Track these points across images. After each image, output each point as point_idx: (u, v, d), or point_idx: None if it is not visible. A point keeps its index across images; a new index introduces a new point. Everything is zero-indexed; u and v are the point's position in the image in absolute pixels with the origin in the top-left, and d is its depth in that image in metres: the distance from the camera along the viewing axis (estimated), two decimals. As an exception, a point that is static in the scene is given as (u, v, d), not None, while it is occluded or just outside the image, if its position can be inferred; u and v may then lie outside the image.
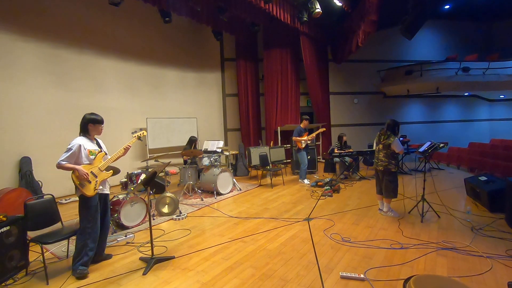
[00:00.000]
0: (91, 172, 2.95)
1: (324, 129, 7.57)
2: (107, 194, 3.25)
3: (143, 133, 3.43)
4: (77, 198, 3.00)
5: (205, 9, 7.51)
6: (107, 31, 7.37)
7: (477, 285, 2.52)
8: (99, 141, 3.19)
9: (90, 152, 2.98)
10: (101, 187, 3.07)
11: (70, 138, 2.99)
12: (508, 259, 2.96)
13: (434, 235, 3.65)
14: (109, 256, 3.27)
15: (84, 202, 2.95)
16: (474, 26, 12.23)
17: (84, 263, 2.88)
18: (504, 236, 3.53)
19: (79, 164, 2.90)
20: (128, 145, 3.21)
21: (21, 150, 5.81)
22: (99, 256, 3.16)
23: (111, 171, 3.15)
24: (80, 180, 2.87)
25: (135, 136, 3.35)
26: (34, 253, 3.23)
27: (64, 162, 2.82)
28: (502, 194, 4.23)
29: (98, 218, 3.04)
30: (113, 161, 3.13)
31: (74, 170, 2.86)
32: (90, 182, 2.92)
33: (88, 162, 2.96)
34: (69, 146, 2.88)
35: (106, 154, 3.16)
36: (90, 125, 3.02)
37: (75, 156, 2.89)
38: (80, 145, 2.91)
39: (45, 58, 6.25)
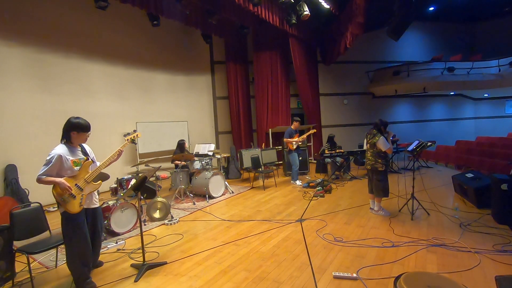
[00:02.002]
0: (76, 185, 2.61)
1: (315, 130, 7.63)
2: (96, 208, 2.94)
3: (137, 135, 3.10)
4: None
5: (193, 12, 7.50)
6: (94, 34, 7.25)
7: (466, 280, 2.57)
8: (85, 146, 2.86)
9: (74, 163, 2.64)
10: (87, 201, 2.76)
11: (57, 144, 2.70)
12: (496, 253, 3.04)
13: (424, 232, 3.71)
14: (100, 264, 3.20)
15: (68, 220, 2.62)
16: (458, 27, 12.58)
17: (84, 280, 2.70)
18: (491, 231, 3.62)
19: (62, 177, 2.56)
20: (121, 149, 2.89)
21: (6, 157, 5.65)
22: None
23: (100, 181, 2.84)
24: (62, 196, 2.53)
25: (127, 139, 3.05)
26: (21, 264, 3.13)
27: (43, 176, 2.49)
28: (488, 190, 4.34)
29: (87, 237, 2.72)
30: (103, 168, 2.80)
31: (54, 185, 2.52)
32: (74, 197, 2.57)
33: (72, 175, 2.63)
34: (48, 158, 2.54)
35: (94, 162, 2.84)
36: (73, 133, 2.67)
37: (56, 168, 2.55)
38: (60, 156, 2.56)
39: (29, 63, 6.11)
